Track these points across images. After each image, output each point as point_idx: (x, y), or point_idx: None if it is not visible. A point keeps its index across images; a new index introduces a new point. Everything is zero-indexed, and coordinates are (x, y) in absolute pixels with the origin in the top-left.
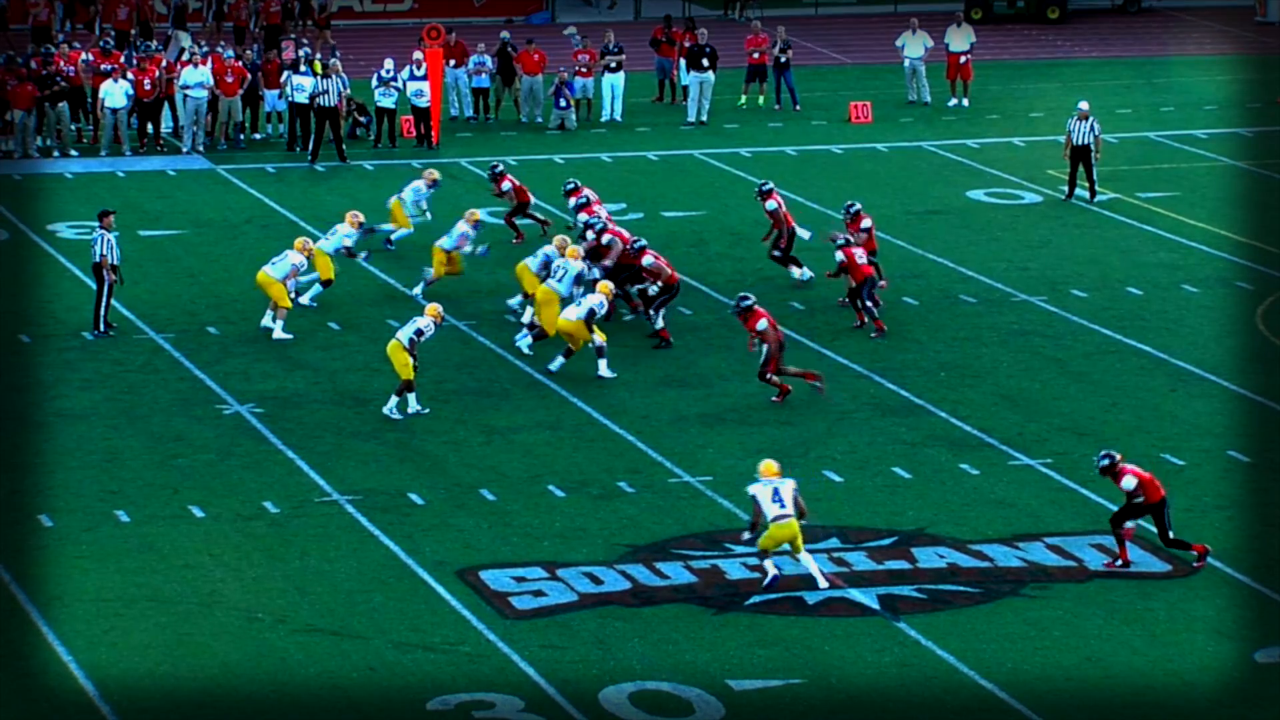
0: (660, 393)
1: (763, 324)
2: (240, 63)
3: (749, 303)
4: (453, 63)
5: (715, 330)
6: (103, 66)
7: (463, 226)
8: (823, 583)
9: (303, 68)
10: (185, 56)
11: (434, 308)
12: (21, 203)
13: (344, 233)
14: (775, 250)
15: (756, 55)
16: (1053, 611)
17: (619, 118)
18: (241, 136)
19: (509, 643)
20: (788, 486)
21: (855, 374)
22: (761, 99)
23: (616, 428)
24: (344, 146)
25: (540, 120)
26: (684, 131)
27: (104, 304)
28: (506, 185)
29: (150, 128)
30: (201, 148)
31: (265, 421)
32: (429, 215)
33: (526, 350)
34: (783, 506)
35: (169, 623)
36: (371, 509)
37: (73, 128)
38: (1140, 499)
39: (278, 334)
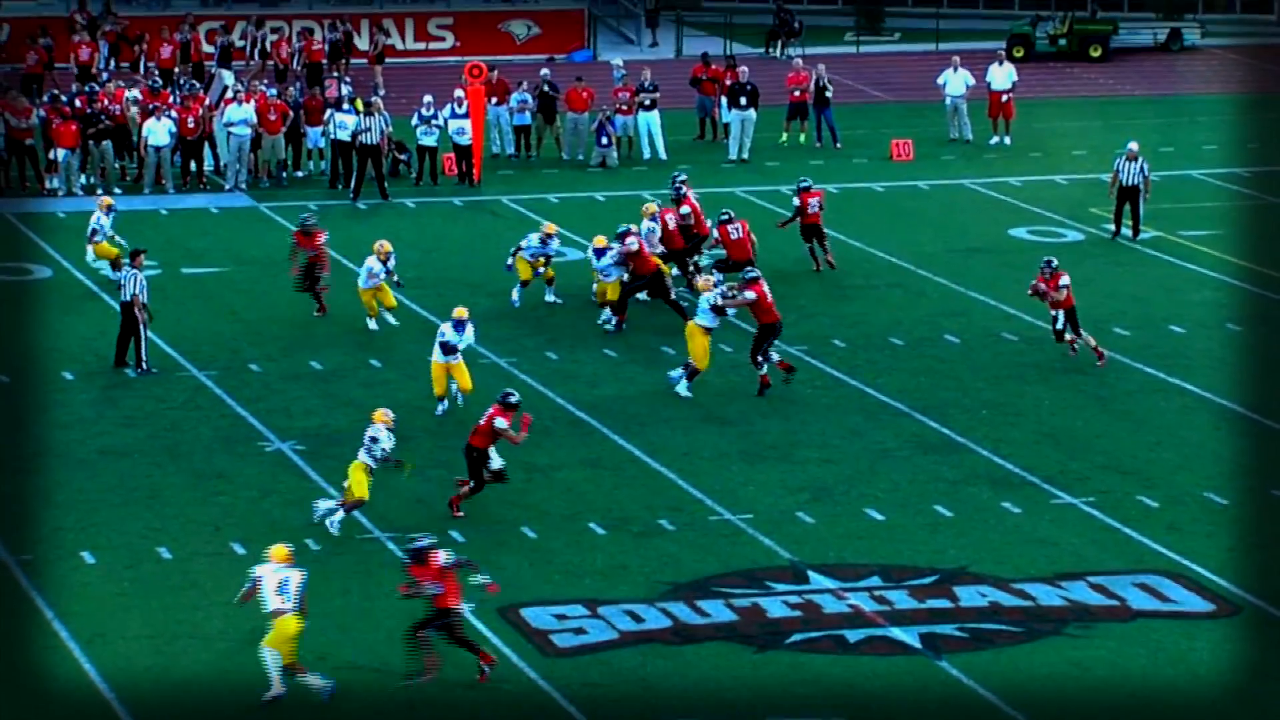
0: (701, 430)
1: (751, 295)
2: (282, 100)
3: (753, 274)
4: (494, 100)
5: (749, 370)
6: (150, 105)
7: (372, 263)
8: (276, 690)
9: (345, 105)
10: (229, 94)
11: (381, 413)
12: (65, 240)
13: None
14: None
15: (798, 93)
16: (1096, 651)
17: (663, 155)
18: (284, 174)
19: (550, 681)
20: (296, 577)
21: (896, 411)
22: (803, 136)
23: (657, 465)
24: (386, 184)
25: (583, 158)
26: (725, 169)
27: (142, 342)
28: (685, 209)
29: (193, 165)
30: (244, 185)
31: (307, 459)
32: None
33: (685, 393)
34: (287, 599)
35: (211, 660)
36: None
37: (116, 165)
38: None
39: (391, 320)
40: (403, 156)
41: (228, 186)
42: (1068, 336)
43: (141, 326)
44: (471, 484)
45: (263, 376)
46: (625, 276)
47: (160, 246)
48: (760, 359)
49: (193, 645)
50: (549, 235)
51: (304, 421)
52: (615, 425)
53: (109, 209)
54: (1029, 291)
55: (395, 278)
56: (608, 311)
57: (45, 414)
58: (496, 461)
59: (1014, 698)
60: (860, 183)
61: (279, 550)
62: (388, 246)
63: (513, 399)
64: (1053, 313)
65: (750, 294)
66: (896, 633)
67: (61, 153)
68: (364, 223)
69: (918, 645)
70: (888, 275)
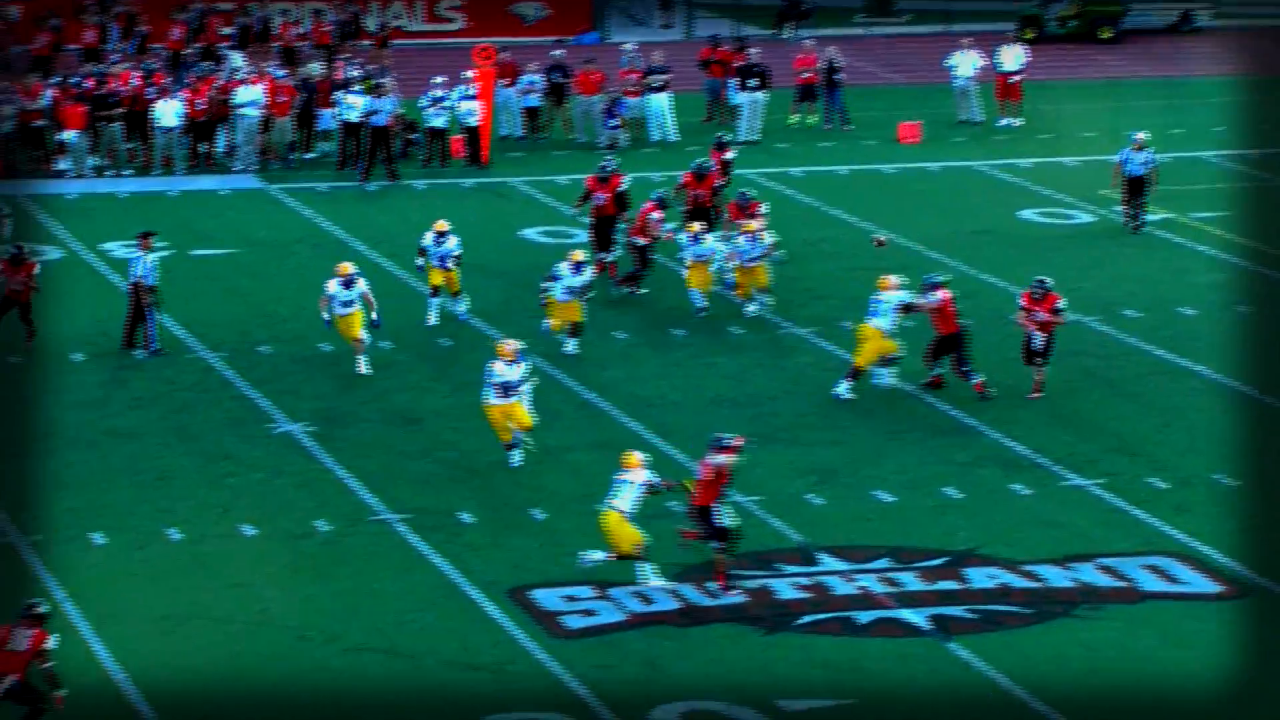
0: (711, 412)
1: (941, 296)
2: (292, 82)
3: (941, 278)
4: (503, 82)
5: (766, 350)
6: (161, 83)
7: (331, 286)
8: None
9: (354, 87)
10: (238, 76)
11: (632, 458)
12: (75, 222)
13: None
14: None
15: (807, 75)
16: (1105, 633)
17: (673, 137)
18: (293, 156)
19: (559, 662)
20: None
21: (905, 393)
22: (812, 118)
23: (667, 447)
24: (395, 166)
25: (592, 139)
26: (739, 151)
27: (150, 324)
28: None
29: (203, 147)
30: (254, 167)
31: (316, 440)
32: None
33: (847, 395)
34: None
35: (220, 641)
36: (422, 528)
37: (125, 147)
38: None
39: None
40: (413, 137)
41: (237, 168)
42: (1038, 361)
43: (148, 309)
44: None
45: (272, 358)
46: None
47: (170, 228)
48: (966, 370)
49: (202, 627)
50: (578, 262)
51: (313, 403)
52: (625, 407)
53: None
54: (1017, 320)
55: (374, 315)
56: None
57: (55, 395)
58: (727, 518)
59: (1023, 679)
60: (869, 165)
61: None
62: (348, 268)
63: (726, 441)
64: (1032, 332)
65: (940, 295)
66: (906, 615)
67: (71, 134)
68: (373, 204)
69: (927, 627)
70: (897, 258)
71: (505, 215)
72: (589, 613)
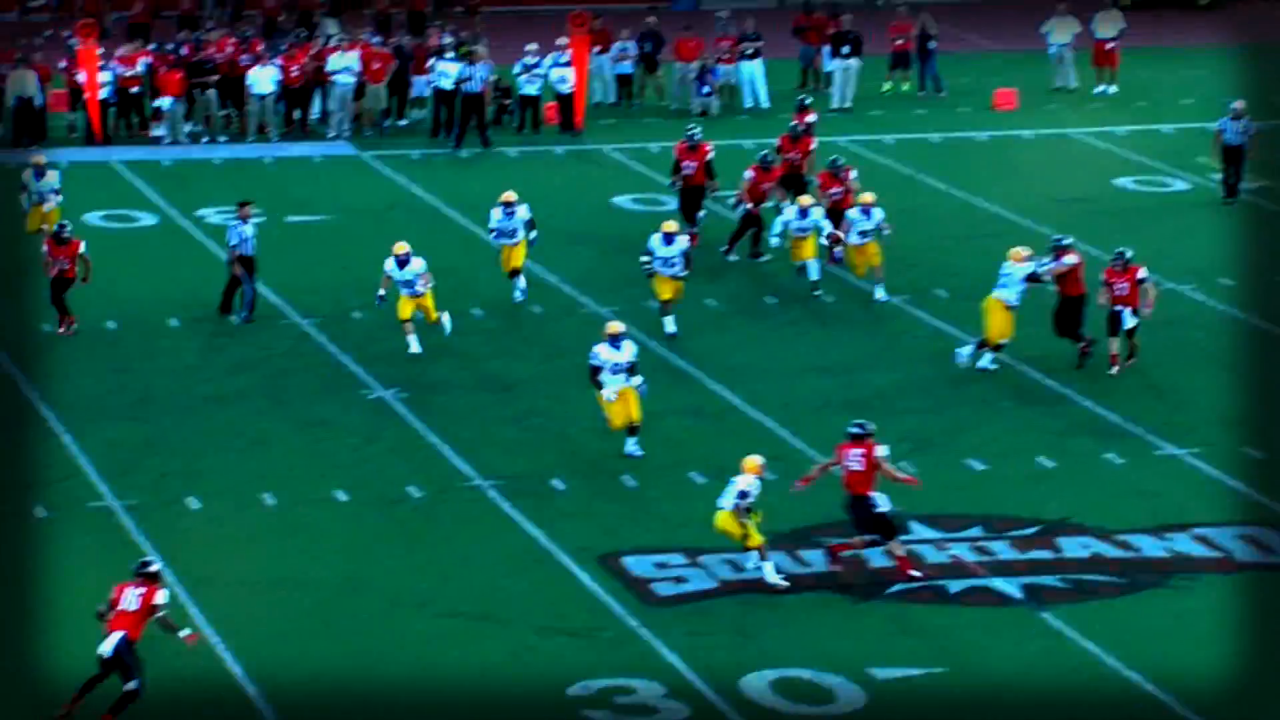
0: (802, 380)
1: (1071, 260)
2: (387, 49)
3: (1066, 240)
4: (597, 49)
5: (857, 317)
6: (256, 50)
7: (389, 265)
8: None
9: (448, 54)
10: (332, 43)
11: (752, 463)
12: (170, 188)
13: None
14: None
15: (901, 41)
16: (1199, 603)
17: (765, 104)
18: (387, 123)
19: (650, 629)
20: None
21: (999, 362)
22: (906, 85)
23: (758, 414)
24: (488, 133)
25: (685, 106)
26: (828, 118)
27: (247, 291)
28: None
29: (297, 114)
30: (347, 134)
31: (410, 406)
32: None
33: (991, 365)
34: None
35: (314, 606)
36: (514, 494)
37: (221, 114)
38: None
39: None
40: (506, 104)
41: (331, 135)
42: (1126, 335)
43: (243, 276)
44: (866, 539)
45: (365, 325)
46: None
47: (264, 195)
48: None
49: (296, 591)
50: (670, 233)
51: (406, 369)
52: (716, 374)
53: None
54: (1101, 299)
55: (429, 284)
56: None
57: (152, 361)
58: (883, 504)
59: (1115, 649)
60: (963, 132)
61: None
62: (403, 246)
63: (858, 429)
64: (1117, 308)
65: (1070, 259)
66: (998, 583)
67: (167, 101)
68: (466, 171)
69: (1019, 596)
70: (989, 225)
71: (597, 182)
72: (680, 580)
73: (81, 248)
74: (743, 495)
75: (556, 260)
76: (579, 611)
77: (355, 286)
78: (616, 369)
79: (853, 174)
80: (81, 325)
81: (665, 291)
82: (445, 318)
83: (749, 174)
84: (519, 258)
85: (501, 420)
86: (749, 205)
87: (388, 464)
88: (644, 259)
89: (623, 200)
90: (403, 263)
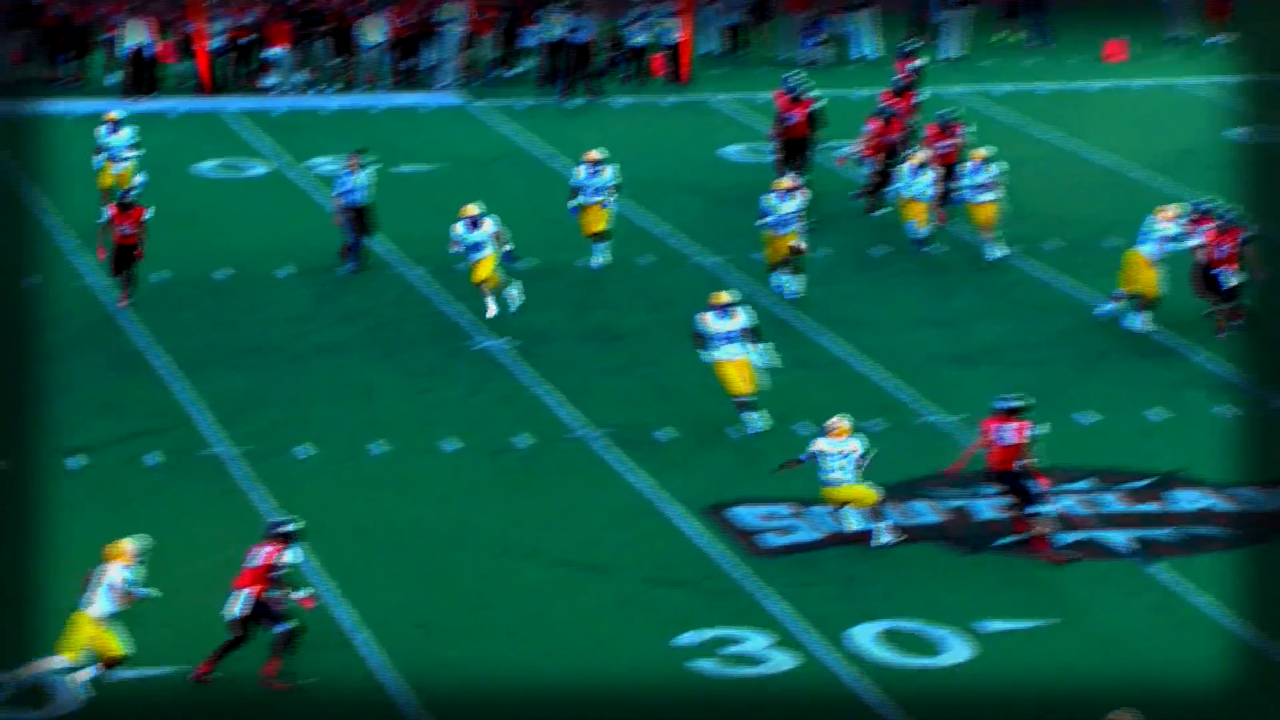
0: (912, 331)
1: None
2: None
3: (1205, 205)
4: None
5: (966, 269)
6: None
7: (458, 229)
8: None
9: (557, 4)
10: None
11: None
12: (281, 137)
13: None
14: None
15: None
16: None
17: (873, 55)
18: (495, 73)
19: (756, 580)
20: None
21: (1111, 314)
22: (1016, 36)
23: (866, 367)
24: (595, 83)
25: (793, 57)
26: (937, 69)
27: (355, 241)
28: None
29: (406, 64)
30: (456, 84)
31: (516, 356)
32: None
33: (1141, 326)
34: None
35: (422, 555)
36: (620, 444)
37: (331, 64)
38: None
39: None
40: (614, 55)
41: (439, 86)
42: (1229, 298)
43: (346, 226)
44: (1021, 502)
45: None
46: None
47: (373, 144)
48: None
49: (404, 539)
50: (786, 190)
51: (513, 319)
52: (825, 326)
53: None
54: (1201, 257)
55: (507, 246)
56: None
57: (261, 311)
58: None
59: (1226, 603)
60: (1073, 83)
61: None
62: (472, 209)
63: (1006, 403)
64: (1218, 271)
65: (1207, 229)
66: (1107, 536)
67: (277, 51)
68: (573, 122)
69: (1128, 549)
70: (1099, 177)
71: (705, 133)
72: (786, 531)
73: (146, 214)
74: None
75: (664, 211)
76: (685, 562)
77: None
78: (728, 338)
79: (963, 129)
80: (191, 275)
81: (779, 254)
82: (516, 290)
83: (869, 126)
84: (601, 221)
85: (608, 371)
86: (873, 160)
87: (494, 414)
88: (760, 220)
89: (730, 151)
90: (473, 224)
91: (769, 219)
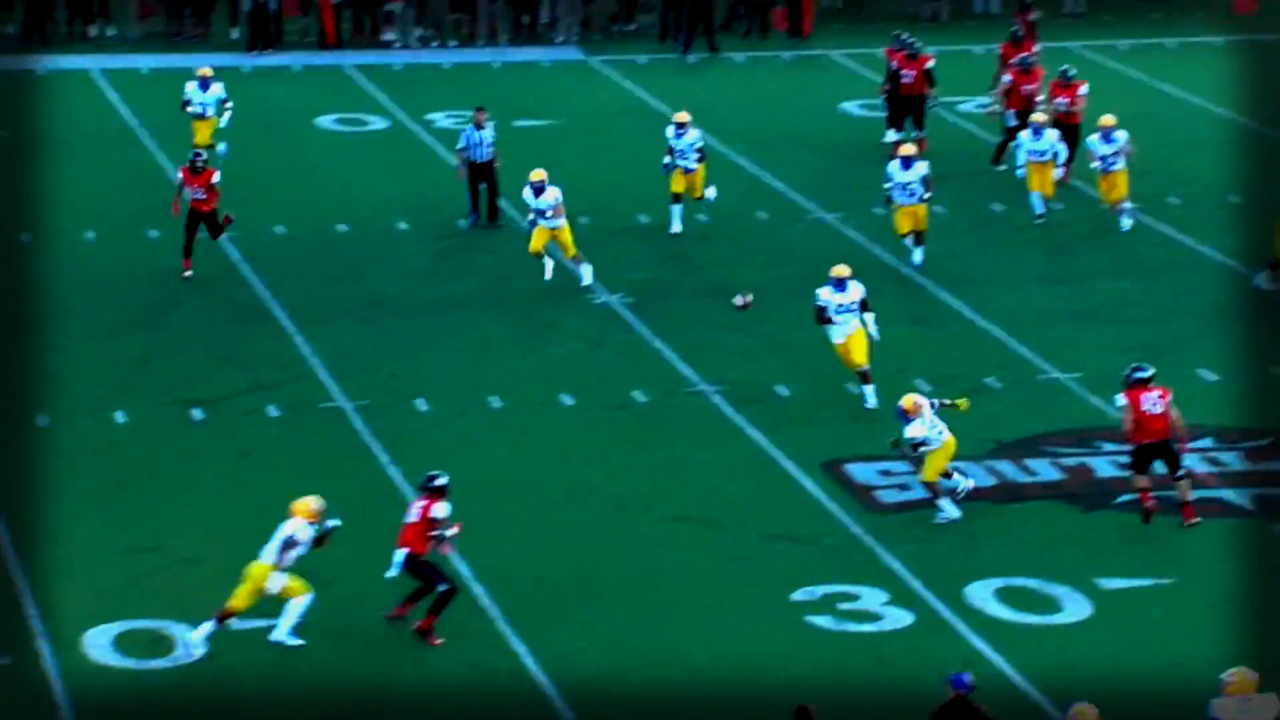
0: (1029, 288)
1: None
2: None
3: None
4: None
5: (1086, 225)
6: None
7: (527, 194)
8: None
9: None
10: None
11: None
12: (401, 92)
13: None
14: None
15: None
16: None
17: (995, 9)
18: (614, 28)
19: (873, 535)
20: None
21: (1233, 270)
22: None
23: (984, 323)
24: (715, 38)
25: (915, 10)
26: (1063, 24)
27: (474, 195)
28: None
29: (526, 19)
30: (575, 39)
31: (635, 311)
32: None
33: (1266, 284)
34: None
35: (539, 509)
36: (738, 400)
37: (450, 18)
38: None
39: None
40: (737, 9)
41: (559, 40)
42: None
43: (469, 180)
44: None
45: (592, 229)
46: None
47: (492, 99)
48: None
49: (521, 494)
50: (907, 158)
51: (632, 275)
52: (942, 282)
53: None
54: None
55: (561, 218)
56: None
57: (381, 264)
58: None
59: None
60: (1199, 36)
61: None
62: (540, 174)
63: (1143, 372)
64: None
65: None
66: (1228, 495)
67: (397, 5)
68: (692, 77)
69: (1250, 508)
70: (1223, 132)
71: (825, 88)
72: (904, 487)
73: (215, 178)
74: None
75: (782, 166)
76: (802, 518)
77: (581, 191)
78: (843, 310)
79: (1083, 89)
80: (311, 228)
81: (905, 224)
82: (586, 269)
83: (1007, 78)
84: (680, 183)
85: (726, 326)
86: (1014, 112)
87: (613, 369)
88: (885, 185)
89: (850, 106)
90: (538, 190)
91: (891, 187)
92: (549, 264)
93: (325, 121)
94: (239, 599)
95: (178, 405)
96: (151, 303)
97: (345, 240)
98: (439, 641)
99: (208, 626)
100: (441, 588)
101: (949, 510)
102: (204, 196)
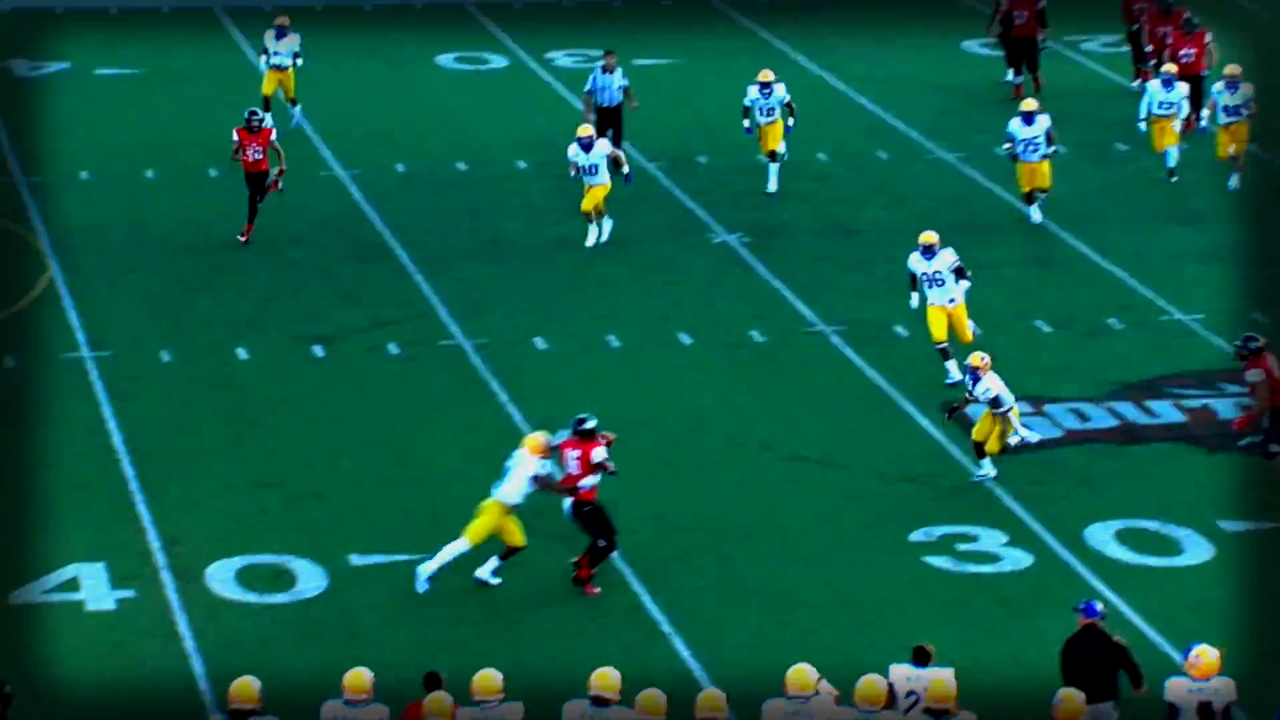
0: (1155, 229)
1: (1254, 375)
2: None
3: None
4: None
5: (1209, 167)
6: None
7: (573, 151)
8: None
9: None
10: None
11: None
12: (521, 30)
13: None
14: None
15: None
16: None
17: None
18: None
19: (993, 477)
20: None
21: None
22: None
23: (1107, 264)
24: None
25: None
26: None
27: (614, 139)
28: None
29: None
30: None
31: (753, 251)
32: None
33: None
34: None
35: (656, 446)
36: (857, 340)
37: None
38: None
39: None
40: None
41: None
42: None
43: (593, 123)
44: None
45: (710, 169)
46: None
47: (614, 39)
48: None
49: (638, 433)
50: (1029, 113)
51: (750, 214)
52: (1065, 223)
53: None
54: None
55: (625, 169)
56: None
57: (500, 203)
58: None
59: None
60: None
61: None
62: (588, 129)
63: (1256, 341)
64: None
65: None
66: None
67: None
68: (816, 18)
69: None
70: None
71: (947, 28)
72: (1024, 429)
73: (273, 136)
74: (995, 403)
75: (904, 106)
76: (921, 458)
77: (702, 130)
78: (929, 280)
79: (1208, 37)
80: (431, 166)
81: (1026, 182)
82: (606, 225)
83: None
84: (775, 139)
85: (845, 266)
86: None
87: (731, 308)
88: (1005, 145)
89: (971, 45)
90: (586, 146)
91: (1015, 146)
92: (593, 230)
93: (445, 60)
94: (475, 534)
95: (299, 342)
96: (272, 240)
97: (465, 179)
98: (596, 591)
99: (443, 559)
100: (601, 543)
101: (988, 469)
102: (260, 156)
